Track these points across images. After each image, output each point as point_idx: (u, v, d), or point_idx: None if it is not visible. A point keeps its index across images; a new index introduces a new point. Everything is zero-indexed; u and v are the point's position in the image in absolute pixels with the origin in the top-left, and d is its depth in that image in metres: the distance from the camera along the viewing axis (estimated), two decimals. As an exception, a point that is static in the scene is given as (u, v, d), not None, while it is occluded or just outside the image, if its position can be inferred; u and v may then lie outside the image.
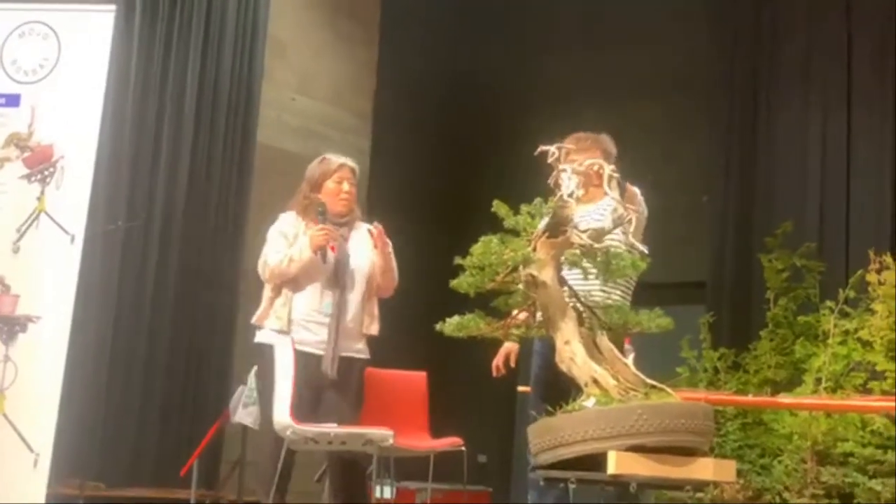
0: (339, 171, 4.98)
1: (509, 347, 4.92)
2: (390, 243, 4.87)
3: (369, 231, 4.89)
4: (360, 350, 4.88)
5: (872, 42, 7.28)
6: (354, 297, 4.84)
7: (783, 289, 7.02)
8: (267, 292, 4.87)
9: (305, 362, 4.73)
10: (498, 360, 4.92)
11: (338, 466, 4.87)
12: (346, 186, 4.96)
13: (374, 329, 4.92)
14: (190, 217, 7.32)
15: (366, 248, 4.92)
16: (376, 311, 4.94)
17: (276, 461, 4.67)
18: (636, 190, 4.40)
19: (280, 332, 4.76)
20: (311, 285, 4.80)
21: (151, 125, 7.19)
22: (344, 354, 4.79)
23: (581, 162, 4.24)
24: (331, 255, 4.81)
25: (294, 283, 4.81)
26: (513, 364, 4.95)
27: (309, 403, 4.75)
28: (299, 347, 4.75)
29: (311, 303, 4.80)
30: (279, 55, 8.25)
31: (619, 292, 4.51)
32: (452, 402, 6.76)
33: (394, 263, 4.93)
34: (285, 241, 4.85)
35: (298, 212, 4.93)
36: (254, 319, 4.87)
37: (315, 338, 4.76)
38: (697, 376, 7.05)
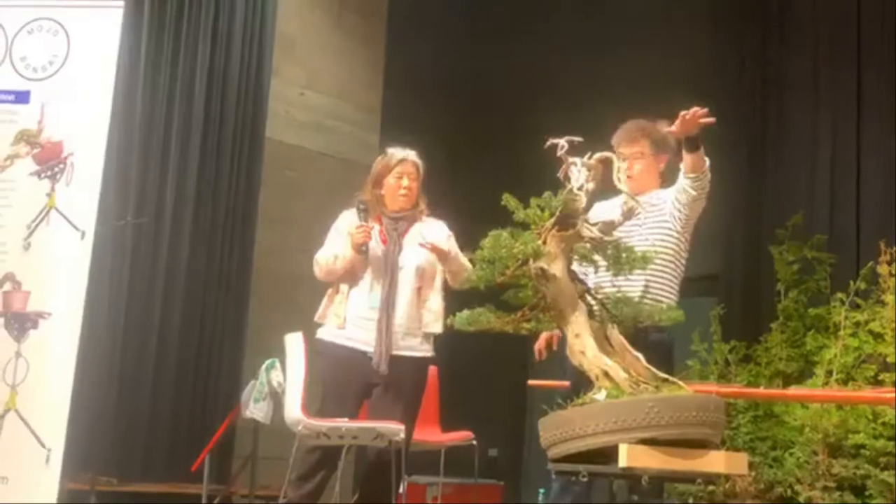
0: (400, 166, 4.94)
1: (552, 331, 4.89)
2: (450, 248, 4.79)
3: (420, 245, 4.81)
4: (412, 347, 4.78)
5: (883, 31, 7.25)
6: (404, 293, 4.78)
7: (794, 281, 7.00)
8: (328, 291, 4.88)
9: (357, 360, 4.72)
10: (540, 344, 4.88)
11: (366, 465, 4.85)
12: (405, 182, 4.92)
13: (435, 327, 4.80)
14: (199, 212, 7.34)
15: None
16: (437, 307, 4.83)
17: (320, 458, 4.69)
18: (706, 159, 4.37)
19: (338, 329, 4.75)
20: (365, 283, 4.78)
21: (160, 121, 7.20)
22: (394, 352, 4.72)
23: (621, 152, 4.25)
24: (375, 248, 4.79)
25: (350, 277, 4.80)
26: (555, 347, 4.90)
27: (357, 402, 4.76)
28: (353, 345, 4.74)
29: (364, 300, 4.78)
30: (287, 50, 8.25)
31: (659, 286, 4.48)
32: (463, 395, 6.77)
33: (457, 265, 4.80)
34: (340, 238, 4.85)
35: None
36: (316, 317, 4.86)
37: (367, 335, 4.72)
38: (708, 369, 7.04)
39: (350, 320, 4.76)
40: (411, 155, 5.00)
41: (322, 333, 4.82)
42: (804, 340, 6.78)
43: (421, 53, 9.15)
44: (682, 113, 4.12)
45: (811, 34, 7.64)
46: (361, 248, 4.72)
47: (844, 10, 7.44)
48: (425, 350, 4.84)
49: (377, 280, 4.77)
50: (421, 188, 5.00)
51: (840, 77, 7.42)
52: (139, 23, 6.98)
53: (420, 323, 4.80)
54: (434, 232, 4.92)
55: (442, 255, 4.77)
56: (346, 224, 4.88)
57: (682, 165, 4.33)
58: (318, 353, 4.81)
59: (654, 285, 4.44)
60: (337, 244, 4.84)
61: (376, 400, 4.76)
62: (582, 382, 3.61)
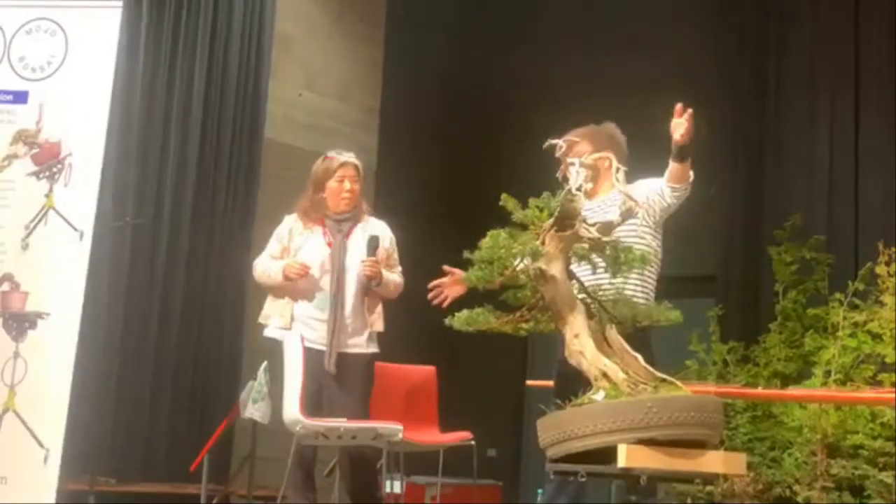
0: (341, 169, 5.02)
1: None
2: (377, 276, 4.89)
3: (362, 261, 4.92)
4: (360, 345, 4.91)
5: (881, 32, 7.25)
6: (351, 293, 4.89)
7: (792, 281, 7.01)
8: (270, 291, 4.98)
9: (309, 358, 4.80)
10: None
11: (347, 462, 4.90)
12: (347, 185, 5.00)
13: (378, 326, 4.97)
14: (198, 212, 7.33)
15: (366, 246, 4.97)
16: (379, 307, 4.99)
17: (297, 457, 4.72)
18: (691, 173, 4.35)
19: (283, 329, 4.83)
20: (311, 283, 4.89)
21: (159, 121, 7.20)
22: (343, 350, 4.84)
23: (584, 155, 4.23)
24: (322, 250, 4.90)
25: (287, 290, 4.90)
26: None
27: (313, 398, 4.79)
28: (304, 344, 4.80)
29: (311, 300, 4.88)
30: (286, 51, 8.25)
31: (632, 285, 4.46)
32: (462, 396, 6.77)
33: (390, 278, 4.96)
34: (278, 243, 5.01)
35: (300, 213, 5.00)
36: (260, 318, 4.98)
37: (315, 334, 4.84)
38: (707, 369, 7.03)
39: (297, 319, 4.88)
40: (351, 158, 5.08)
41: (270, 333, 4.94)
42: (802, 341, 6.78)
43: (420, 54, 9.15)
44: (682, 113, 4.08)
45: (809, 33, 7.64)
46: (289, 280, 4.87)
47: (843, 10, 7.44)
48: (372, 347, 4.98)
49: (323, 281, 4.88)
50: (361, 189, 5.08)
51: (839, 78, 7.42)
52: (137, 23, 6.97)
53: (366, 321, 4.92)
54: (378, 233, 5.02)
55: (376, 275, 4.88)
56: (286, 229, 5.02)
57: (667, 171, 4.30)
58: (268, 352, 5.01)
59: (630, 285, 4.41)
60: (276, 249, 5.00)
61: (330, 397, 4.84)
62: (570, 381, 3.62)
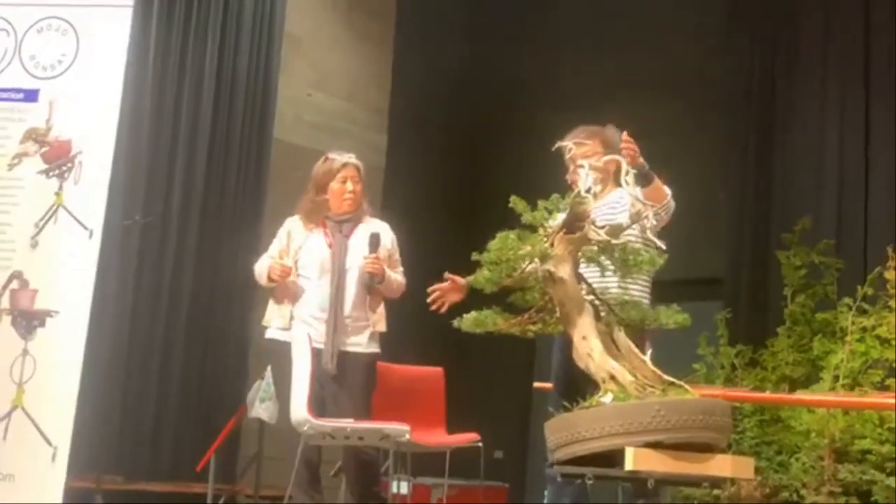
0: (343, 170, 5.02)
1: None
2: (380, 273, 4.89)
3: (365, 258, 4.91)
4: (360, 344, 4.90)
5: (891, 35, 7.23)
6: (351, 292, 4.89)
7: (801, 286, 6.99)
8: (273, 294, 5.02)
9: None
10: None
11: (352, 463, 4.90)
12: (349, 186, 5.00)
13: (381, 326, 4.96)
14: (207, 212, 7.35)
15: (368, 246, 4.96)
16: (382, 308, 4.98)
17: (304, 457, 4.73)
18: (667, 190, 4.36)
19: (282, 329, 4.84)
20: (312, 284, 4.89)
21: (169, 120, 7.21)
22: (343, 349, 4.84)
23: (588, 157, 4.23)
24: (322, 250, 4.90)
25: (287, 291, 4.92)
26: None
27: (316, 397, 4.80)
28: None
29: (312, 300, 4.88)
30: (295, 51, 8.26)
31: (636, 288, 4.47)
32: (469, 397, 6.76)
33: (392, 277, 4.96)
34: (277, 244, 5.03)
35: (302, 215, 5.01)
36: (263, 321, 5.01)
37: (316, 334, 4.83)
38: (714, 373, 7.02)
39: (299, 319, 4.88)
40: (352, 158, 5.08)
41: (271, 334, 4.96)
42: (811, 345, 6.76)
43: (429, 54, 9.15)
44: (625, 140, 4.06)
45: (819, 34, 7.61)
46: (272, 280, 4.92)
47: (853, 9, 7.42)
48: (373, 347, 4.95)
49: (324, 281, 4.87)
50: (364, 190, 5.07)
51: (849, 80, 7.41)
52: (148, 22, 6.99)
53: (367, 321, 4.92)
54: (379, 232, 5.02)
55: (379, 272, 4.88)
56: (284, 230, 5.05)
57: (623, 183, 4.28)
58: (271, 353, 4.99)
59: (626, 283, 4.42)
60: (275, 250, 5.03)
61: (330, 396, 4.84)
62: (567, 383, 3.61)
